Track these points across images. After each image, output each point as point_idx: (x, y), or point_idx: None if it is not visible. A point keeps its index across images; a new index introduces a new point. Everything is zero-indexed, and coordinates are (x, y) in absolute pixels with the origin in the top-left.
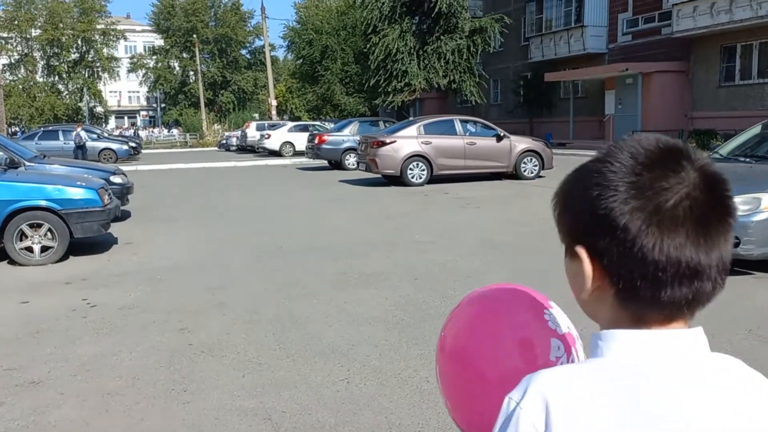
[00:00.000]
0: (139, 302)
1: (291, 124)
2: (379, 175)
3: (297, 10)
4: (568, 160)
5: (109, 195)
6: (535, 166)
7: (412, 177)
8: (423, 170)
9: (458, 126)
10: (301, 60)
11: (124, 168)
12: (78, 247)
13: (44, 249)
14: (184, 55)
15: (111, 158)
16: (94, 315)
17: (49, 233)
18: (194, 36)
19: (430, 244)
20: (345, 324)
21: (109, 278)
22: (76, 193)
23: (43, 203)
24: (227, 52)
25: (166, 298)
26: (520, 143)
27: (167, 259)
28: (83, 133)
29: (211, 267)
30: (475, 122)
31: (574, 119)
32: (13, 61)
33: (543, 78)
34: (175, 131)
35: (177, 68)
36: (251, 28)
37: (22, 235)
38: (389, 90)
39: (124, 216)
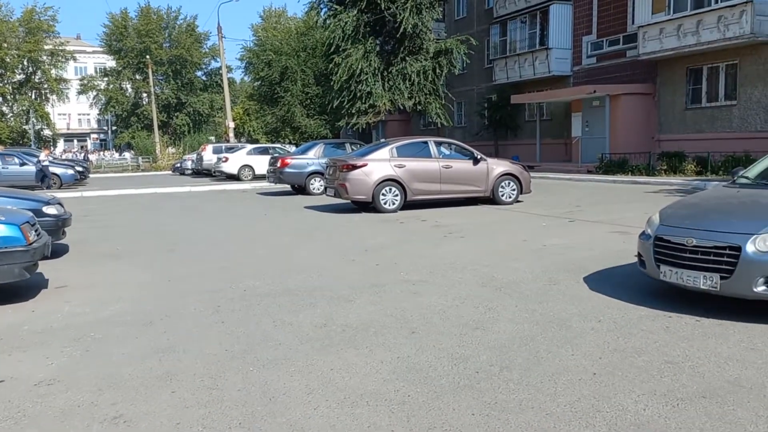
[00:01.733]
0: (63, 374)
1: (250, 146)
2: (347, 201)
3: (254, 31)
4: (540, 184)
5: (36, 231)
6: (513, 190)
7: (385, 203)
8: (396, 195)
9: (433, 148)
10: (259, 81)
11: (68, 194)
12: None
13: None
14: (137, 76)
15: (55, 184)
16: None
17: None
18: (147, 57)
19: (421, 283)
20: (334, 404)
21: (29, 337)
22: None
23: None
24: (182, 74)
25: (99, 367)
26: (498, 166)
27: (105, 309)
28: (43, 157)
29: (159, 319)
30: (449, 144)
31: (540, 142)
32: None
33: (509, 100)
34: (127, 155)
35: (129, 90)
36: (207, 50)
37: None
38: (353, 111)
39: (60, 252)
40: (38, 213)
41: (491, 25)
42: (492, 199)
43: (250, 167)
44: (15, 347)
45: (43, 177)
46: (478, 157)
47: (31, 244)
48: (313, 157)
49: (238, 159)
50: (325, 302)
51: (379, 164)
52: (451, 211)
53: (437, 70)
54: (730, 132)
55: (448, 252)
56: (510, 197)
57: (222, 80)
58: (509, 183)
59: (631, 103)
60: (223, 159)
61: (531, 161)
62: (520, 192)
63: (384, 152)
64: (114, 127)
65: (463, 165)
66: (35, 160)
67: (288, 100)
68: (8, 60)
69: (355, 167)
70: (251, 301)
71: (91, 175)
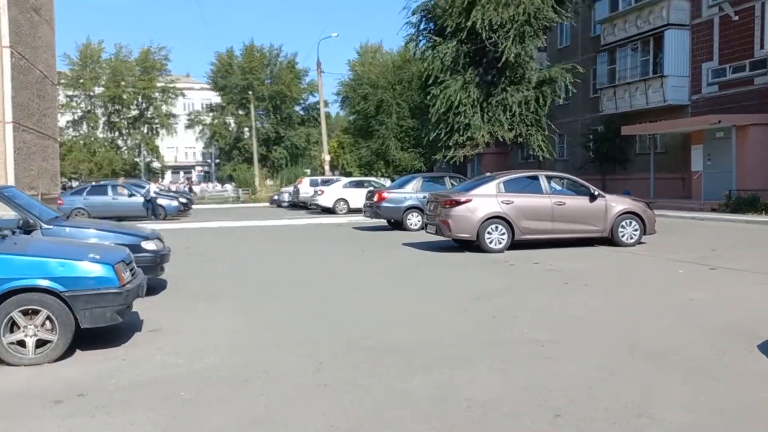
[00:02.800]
0: None
1: (345, 179)
2: (448, 239)
3: (351, 67)
4: (660, 223)
5: (132, 270)
6: (636, 230)
7: (491, 242)
8: (503, 234)
9: (544, 183)
10: (355, 115)
11: (171, 226)
12: (90, 336)
13: (41, 343)
14: (240, 111)
15: (160, 215)
16: None
17: (47, 322)
18: (250, 93)
19: (552, 344)
20: None
21: (116, 394)
22: (87, 269)
23: (41, 283)
24: (281, 109)
25: None
26: (618, 204)
27: (199, 360)
28: (153, 188)
29: (255, 376)
30: (561, 179)
31: (654, 176)
32: (76, 118)
33: (617, 132)
34: (228, 186)
35: (232, 124)
36: (305, 85)
37: (13, 325)
38: (450, 144)
39: (158, 288)
40: (137, 248)
41: (598, 53)
42: (610, 240)
43: (345, 201)
44: (99, 407)
45: (152, 208)
46: (596, 193)
47: (124, 285)
48: (411, 191)
49: (334, 192)
50: (441, 364)
51: (485, 200)
52: (565, 252)
53: (540, 101)
54: None
55: (575, 304)
56: (632, 238)
57: (319, 114)
58: (631, 222)
59: (761, 135)
60: (319, 192)
61: (644, 197)
62: (644, 233)
63: (490, 187)
64: (217, 160)
65: (578, 202)
66: (142, 191)
67: (383, 133)
68: (125, 97)
69: (458, 203)
70: (355, 358)
71: (194, 206)
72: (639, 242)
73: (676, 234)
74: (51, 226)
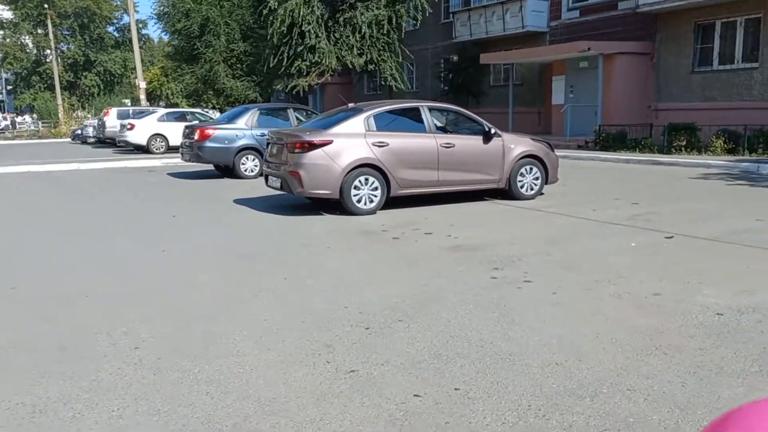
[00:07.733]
0: None
1: (162, 111)
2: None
3: None
4: None
5: None
6: (536, 179)
7: (359, 200)
8: (375, 189)
9: (427, 118)
10: (176, 35)
11: None
12: None
13: None
14: (39, 30)
15: None
16: None
17: None
18: (45, 7)
19: None
20: None
21: None
22: None
23: None
24: (90, 29)
25: None
26: (517, 145)
27: None
28: None
29: None
30: (444, 111)
31: (513, 110)
32: None
33: (473, 61)
34: (28, 118)
35: (30, 45)
36: (119, 2)
37: None
38: (293, 71)
39: None
40: None
41: None
42: (506, 192)
43: (163, 137)
44: None
45: None
46: (492, 131)
47: None
48: (245, 127)
49: (147, 127)
50: None
51: (351, 141)
52: (455, 212)
53: (393, 21)
54: (750, 101)
55: (543, 338)
56: (532, 189)
57: (131, 32)
58: (532, 169)
59: (626, 65)
60: (128, 126)
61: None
62: (545, 182)
63: (356, 123)
64: (9, 86)
65: (471, 143)
66: None
67: (210, 56)
68: None
69: (313, 146)
70: None
71: None
72: (539, 193)
73: (561, 179)
74: None
